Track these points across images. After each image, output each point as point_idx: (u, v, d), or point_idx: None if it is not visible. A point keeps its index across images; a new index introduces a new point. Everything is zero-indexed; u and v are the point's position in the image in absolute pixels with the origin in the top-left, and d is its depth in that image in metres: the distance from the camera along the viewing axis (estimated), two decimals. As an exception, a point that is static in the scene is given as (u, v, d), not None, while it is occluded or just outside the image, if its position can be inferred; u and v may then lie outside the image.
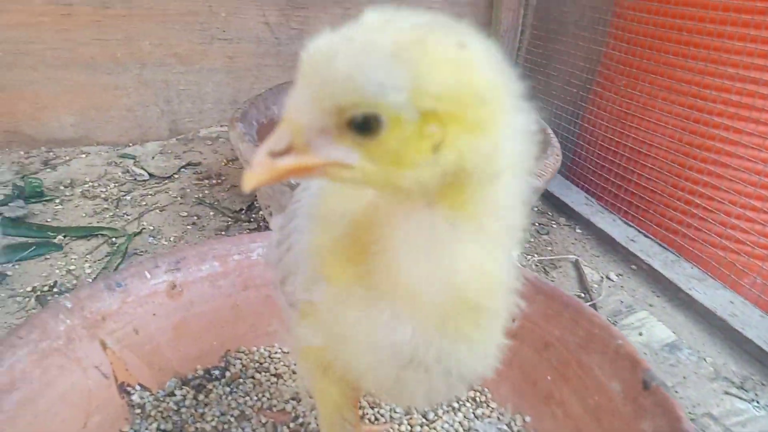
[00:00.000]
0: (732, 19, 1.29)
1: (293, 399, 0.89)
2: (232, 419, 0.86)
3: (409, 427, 0.84)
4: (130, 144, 1.88)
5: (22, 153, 1.76)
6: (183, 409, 0.86)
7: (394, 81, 0.36)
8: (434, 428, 0.84)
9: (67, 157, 1.77)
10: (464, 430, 0.84)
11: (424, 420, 0.86)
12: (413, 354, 0.48)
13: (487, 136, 0.39)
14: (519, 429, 0.84)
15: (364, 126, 0.37)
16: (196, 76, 1.86)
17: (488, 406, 0.89)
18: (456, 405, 0.88)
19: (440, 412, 0.87)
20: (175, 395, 0.88)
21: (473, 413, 0.87)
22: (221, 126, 1.96)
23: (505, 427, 0.83)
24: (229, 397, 0.89)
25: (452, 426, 0.84)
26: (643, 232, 1.49)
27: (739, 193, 1.33)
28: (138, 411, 0.85)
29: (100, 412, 0.82)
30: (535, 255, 1.46)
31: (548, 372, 0.85)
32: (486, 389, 0.92)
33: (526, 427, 0.84)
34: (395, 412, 0.87)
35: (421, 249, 0.44)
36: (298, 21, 1.90)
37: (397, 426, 0.84)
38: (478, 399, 0.90)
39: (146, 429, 0.82)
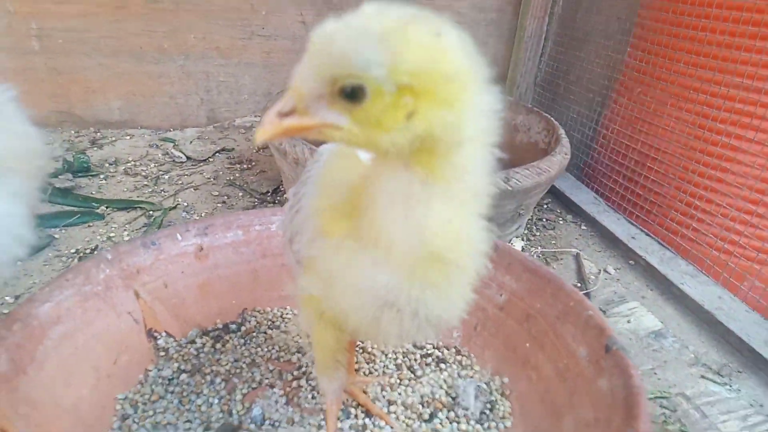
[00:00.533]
0: (740, 30, 1.35)
1: (298, 352, 1.00)
2: (244, 365, 0.97)
3: (398, 380, 0.94)
4: (171, 129, 2.03)
5: (73, 132, 1.93)
6: (202, 355, 0.98)
7: (378, 58, 0.44)
8: (420, 382, 0.94)
9: (113, 138, 1.93)
10: (447, 386, 0.94)
11: (412, 375, 0.95)
12: (387, 297, 0.57)
13: (452, 109, 0.47)
14: (496, 388, 0.93)
15: (353, 95, 0.46)
16: (235, 68, 2.00)
17: (472, 368, 0.98)
18: (443, 366, 0.98)
19: (428, 370, 0.97)
20: (195, 343, 1.00)
21: (458, 373, 0.96)
22: (255, 116, 2.09)
23: (483, 386, 0.93)
24: (243, 348, 1.01)
25: (437, 382, 0.94)
26: (645, 230, 1.55)
27: (741, 198, 1.38)
28: (162, 354, 0.97)
29: (129, 351, 0.94)
30: (539, 247, 1.54)
31: (527, 340, 0.93)
32: (472, 354, 1.01)
33: (503, 386, 0.93)
34: (387, 368, 0.97)
35: (397, 204, 0.53)
36: (331, 20, 2.02)
37: (387, 379, 0.94)
38: (463, 362, 0.99)
39: (168, 368, 0.94)
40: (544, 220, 1.70)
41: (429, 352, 1.01)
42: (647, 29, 1.65)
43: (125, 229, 1.45)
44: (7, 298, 1.18)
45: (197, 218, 1.51)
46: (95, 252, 1.35)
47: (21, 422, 0.72)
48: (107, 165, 1.76)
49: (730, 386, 1.09)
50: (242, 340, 1.02)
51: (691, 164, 1.49)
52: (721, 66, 1.41)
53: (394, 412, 0.88)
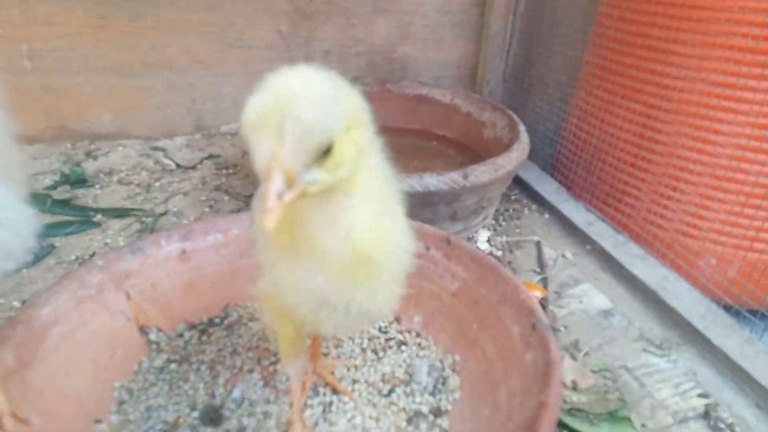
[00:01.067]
0: (683, 26, 1.45)
1: (275, 341, 1.12)
2: (227, 354, 1.09)
3: (363, 362, 1.06)
4: (161, 138, 2.14)
5: (68, 145, 2.04)
6: (189, 346, 1.10)
7: (341, 118, 0.54)
8: (382, 363, 1.06)
9: (107, 149, 2.04)
10: (406, 365, 1.06)
11: (375, 357, 1.08)
12: (323, 297, 0.67)
13: (363, 131, 0.59)
14: (449, 365, 1.05)
15: (326, 152, 0.53)
16: (217, 78, 2.11)
17: (429, 348, 1.10)
18: (403, 348, 1.10)
19: (390, 352, 1.09)
20: (183, 336, 1.12)
21: (416, 354, 1.08)
22: (239, 122, 2.20)
23: (438, 363, 1.05)
24: (226, 339, 1.13)
25: (396, 362, 1.06)
26: (602, 217, 1.67)
27: (690, 183, 1.49)
28: (154, 347, 1.09)
29: (124, 346, 1.06)
30: (505, 236, 1.66)
31: (475, 322, 1.05)
32: (430, 336, 1.13)
33: (455, 364, 1.05)
34: (354, 351, 1.09)
35: (327, 216, 0.63)
36: (306, 29, 2.13)
37: (353, 361, 1.06)
38: (422, 344, 1.11)
39: (159, 359, 1.06)
40: (511, 210, 1.82)
41: (392, 336, 1.13)
42: (604, 26, 1.75)
43: (120, 236, 1.57)
44: (14, 303, 1.30)
45: (186, 223, 1.63)
46: (93, 257, 1.46)
47: (29, 407, 0.84)
48: (102, 175, 1.87)
49: (668, 358, 1.21)
50: (225, 332, 1.14)
51: (641, 152, 1.60)
52: (670, 59, 1.52)
53: (358, 390, 1.00)
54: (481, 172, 1.43)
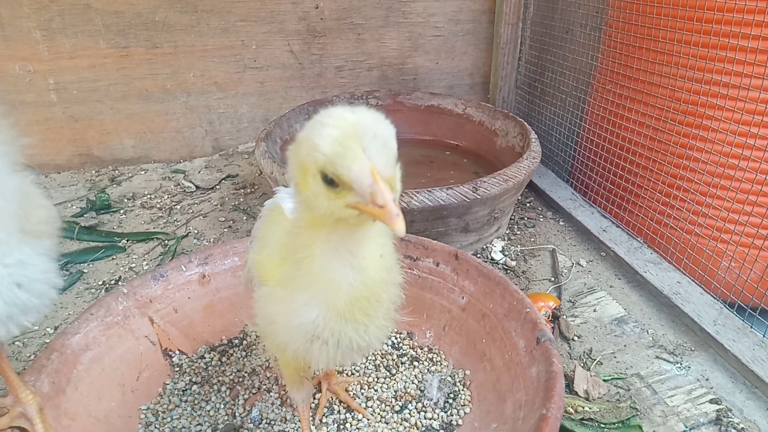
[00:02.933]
0: (695, 27, 1.45)
1: (279, 370, 1.16)
2: (246, 374, 1.13)
3: (376, 378, 1.10)
4: (181, 160, 2.21)
5: (93, 172, 2.13)
6: (210, 368, 1.15)
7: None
8: (395, 379, 1.09)
9: (130, 174, 2.12)
10: (418, 381, 1.09)
11: (388, 374, 1.11)
12: (315, 332, 0.69)
13: None
14: (459, 379, 1.08)
15: None
16: (233, 100, 2.17)
17: (440, 363, 1.13)
18: (416, 363, 1.13)
19: (402, 368, 1.12)
20: (204, 357, 1.17)
21: (427, 369, 1.11)
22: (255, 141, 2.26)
23: (448, 378, 1.08)
24: (245, 359, 1.17)
25: (409, 378, 1.09)
26: (616, 222, 1.67)
27: (708, 185, 1.49)
28: (177, 369, 1.14)
29: (149, 369, 1.12)
30: (519, 245, 1.68)
31: (483, 336, 1.08)
32: (441, 351, 1.16)
33: (465, 378, 1.08)
34: (367, 368, 1.13)
35: (340, 250, 0.66)
36: (318, 47, 2.18)
37: (366, 378, 1.10)
38: (434, 359, 1.14)
39: (182, 381, 1.11)
40: (526, 218, 1.83)
41: (404, 351, 1.16)
42: (615, 28, 1.75)
43: (144, 259, 1.63)
44: (47, 329, 1.37)
45: (207, 244, 1.69)
46: (119, 282, 1.53)
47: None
48: (126, 200, 1.95)
49: (681, 364, 1.21)
50: (244, 353, 1.19)
51: (654, 156, 1.61)
52: (680, 61, 1.52)
53: (371, 407, 1.04)
54: (491, 184, 1.45)
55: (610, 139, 1.76)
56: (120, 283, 1.52)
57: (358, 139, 0.54)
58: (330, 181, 0.57)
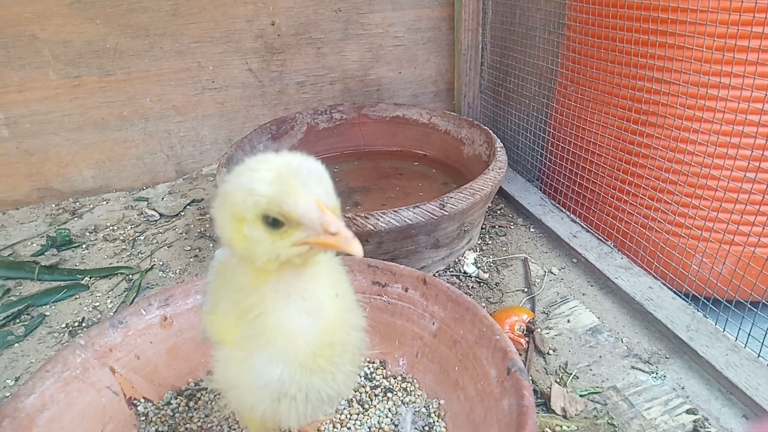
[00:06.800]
0: (650, 27, 1.44)
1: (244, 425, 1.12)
2: (215, 420, 1.10)
3: (349, 415, 1.07)
4: (144, 187, 2.16)
5: (53, 206, 2.06)
6: (177, 414, 1.11)
7: None
8: (368, 414, 1.06)
9: (91, 205, 2.06)
10: (392, 414, 1.06)
11: (361, 409, 1.08)
12: (281, 389, 0.66)
13: None
14: (434, 410, 1.05)
15: None
16: (193, 123, 2.13)
17: (414, 393, 1.10)
18: (389, 395, 1.10)
19: (376, 401, 1.09)
20: (171, 404, 1.13)
21: (401, 401, 1.09)
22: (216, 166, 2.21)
23: (423, 409, 1.05)
24: (213, 402, 1.14)
25: (383, 411, 1.07)
26: (586, 226, 1.67)
27: (667, 182, 1.49)
28: (143, 418, 1.10)
29: (113, 421, 1.07)
30: (491, 256, 1.66)
31: (456, 363, 1.05)
32: (415, 380, 1.13)
33: (440, 408, 1.06)
34: (340, 404, 1.10)
35: (293, 298, 0.64)
36: (278, 64, 2.14)
37: (338, 416, 1.07)
38: (408, 389, 1.11)
39: (148, 431, 1.07)
40: (497, 226, 1.82)
41: (378, 383, 1.14)
42: (574, 31, 1.74)
43: (108, 296, 1.58)
44: (7, 381, 1.31)
45: (172, 276, 1.64)
46: (83, 323, 1.48)
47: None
48: (88, 234, 1.89)
49: (656, 374, 1.20)
50: (212, 395, 1.15)
51: (621, 155, 1.60)
52: (635, 62, 1.51)
53: (344, 446, 1.01)
54: (457, 200, 1.43)
55: (574, 143, 1.76)
56: (84, 324, 1.47)
57: (295, 177, 0.56)
58: (273, 223, 0.57)
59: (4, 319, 1.49)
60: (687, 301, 1.34)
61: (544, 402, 1.15)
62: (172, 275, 1.65)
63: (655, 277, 1.43)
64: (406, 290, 1.18)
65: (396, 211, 1.38)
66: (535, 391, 1.17)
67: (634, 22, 1.49)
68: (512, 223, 1.83)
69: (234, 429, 1.07)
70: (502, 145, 1.72)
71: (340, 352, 0.68)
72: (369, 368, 1.17)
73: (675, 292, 1.37)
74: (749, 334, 1.19)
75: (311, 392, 0.67)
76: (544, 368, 1.25)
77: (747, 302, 1.22)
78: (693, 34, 1.35)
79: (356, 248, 0.55)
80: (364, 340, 0.72)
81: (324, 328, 0.66)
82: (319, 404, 0.70)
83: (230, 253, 0.66)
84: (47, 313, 1.53)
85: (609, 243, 1.58)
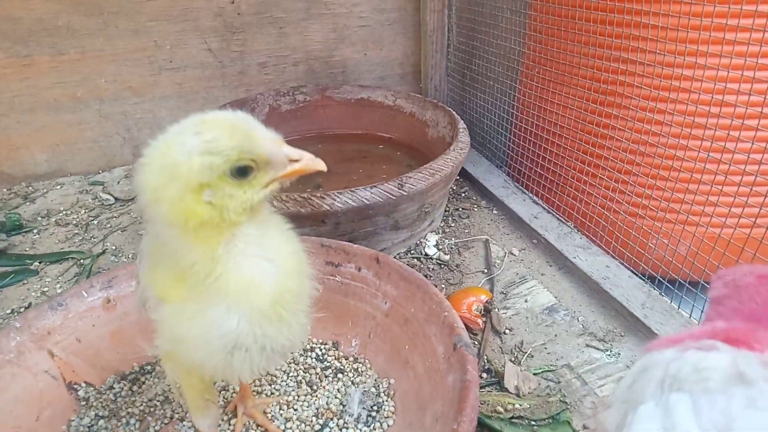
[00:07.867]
0: (616, 7, 1.42)
1: (181, 397, 1.09)
2: (158, 403, 1.06)
3: (296, 396, 1.04)
4: (100, 171, 2.09)
5: (4, 190, 1.99)
6: (119, 399, 1.07)
7: None
8: (317, 396, 1.04)
9: (45, 190, 1.99)
10: (341, 395, 1.04)
11: (309, 390, 1.05)
12: (236, 340, 0.65)
13: None
14: (384, 389, 1.03)
15: None
16: (150, 104, 2.07)
17: (366, 374, 1.08)
18: (340, 376, 1.08)
19: (326, 382, 1.07)
20: (114, 388, 1.09)
21: (351, 381, 1.06)
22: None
23: (373, 389, 1.03)
24: (157, 387, 1.10)
25: (332, 392, 1.04)
26: (547, 208, 1.65)
27: (631, 163, 1.48)
28: (83, 403, 1.06)
29: (51, 406, 1.03)
30: (453, 238, 1.64)
31: (406, 342, 1.03)
32: (367, 360, 1.11)
33: (390, 387, 1.03)
34: (288, 385, 1.07)
35: (254, 251, 0.64)
36: (238, 44, 2.09)
37: (286, 397, 1.04)
38: (359, 369, 1.09)
39: (88, 416, 1.03)
40: (461, 209, 1.80)
41: (329, 363, 1.11)
42: (538, 11, 1.72)
43: (58, 282, 1.53)
44: (-54, 368, 1.25)
45: (125, 260, 1.60)
46: (29, 309, 1.42)
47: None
48: (39, 218, 1.82)
49: (611, 351, 1.20)
50: (157, 380, 1.11)
51: (583, 136, 1.58)
52: (596, 42, 1.49)
53: (290, 428, 0.98)
54: (417, 180, 1.41)
55: (538, 125, 1.74)
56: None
57: (246, 125, 0.61)
58: (242, 173, 0.60)
59: (-55, 305, 1.43)
60: (644, 280, 1.33)
61: (498, 380, 1.13)
62: (125, 260, 1.60)
63: (613, 257, 1.42)
64: (359, 270, 1.16)
65: (353, 191, 1.34)
66: (489, 370, 1.16)
67: (598, 1, 1.47)
68: (476, 206, 1.81)
69: (177, 412, 1.04)
70: (465, 126, 1.70)
71: (298, 299, 0.68)
72: (321, 349, 1.15)
73: (632, 271, 1.36)
74: (702, 311, 1.19)
75: (267, 343, 0.67)
76: (500, 347, 1.23)
77: (701, 280, 1.22)
78: (658, 11, 1.33)
79: (321, 164, 0.63)
80: (316, 289, 0.71)
81: (284, 272, 0.66)
82: (273, 356, 0.69)
83: (167, 232, 0.65)
84: (-7, 299, 1.47)
85: (569, 224, 1.57)
